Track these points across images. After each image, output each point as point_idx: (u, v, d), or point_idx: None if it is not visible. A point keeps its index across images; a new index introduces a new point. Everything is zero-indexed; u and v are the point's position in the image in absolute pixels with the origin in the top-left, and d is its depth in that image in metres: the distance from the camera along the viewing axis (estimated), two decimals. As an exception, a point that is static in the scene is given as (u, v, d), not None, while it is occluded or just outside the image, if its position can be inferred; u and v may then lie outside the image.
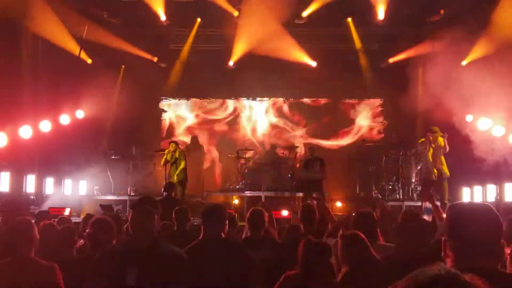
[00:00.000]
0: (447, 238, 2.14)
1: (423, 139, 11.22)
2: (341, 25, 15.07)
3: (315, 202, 7.58)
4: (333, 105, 17.07)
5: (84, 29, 13.38)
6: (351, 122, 17.04)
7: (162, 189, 9.28)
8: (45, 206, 10.62)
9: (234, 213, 7.82)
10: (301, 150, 15.37)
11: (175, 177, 12.14)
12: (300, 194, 13.17)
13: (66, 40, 13.39)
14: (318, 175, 12.81)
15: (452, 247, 2.11)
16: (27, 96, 12.19)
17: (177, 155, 12.38)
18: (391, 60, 15.33)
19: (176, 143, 12.80)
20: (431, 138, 10.39)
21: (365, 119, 16.99)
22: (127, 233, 4.44)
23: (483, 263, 2.01)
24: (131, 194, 13.11)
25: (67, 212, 9.64)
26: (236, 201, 13.47)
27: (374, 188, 13.71)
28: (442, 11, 13.34)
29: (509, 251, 3.74)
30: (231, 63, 15.74)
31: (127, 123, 15.40)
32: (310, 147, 13.76)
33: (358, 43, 15.20)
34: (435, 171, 10.38)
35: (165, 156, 12.45)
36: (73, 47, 13.69)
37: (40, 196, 11.92)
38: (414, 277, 1.37)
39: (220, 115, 17.32)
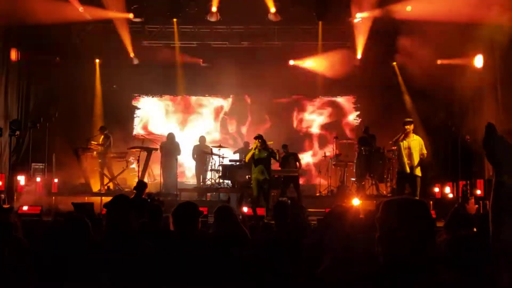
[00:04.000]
0: (379, 234, 2.15)
1: (398, 137, 11.35)
2: (313, 23, 15.27)
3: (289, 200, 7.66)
4: (305, 102, 17.31)
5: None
6: (325, 119, 17.29)
7: (133, 188, 9.19)
8: (16, 204, 10.54)
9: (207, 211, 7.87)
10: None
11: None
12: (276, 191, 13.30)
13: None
14: (294, 171, 12.97)
15: (381, 243, 2.12)
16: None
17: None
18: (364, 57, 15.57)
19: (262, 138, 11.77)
20: (407, 129, 10.50)
21: (338, 116, 17.25)
22: (102, 231, 4.46)
23: (412, 259, 2.01)
24: (104, 193, 13.06)
25: (38, 211, 9.56)
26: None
27: (346, 185, 13.89)
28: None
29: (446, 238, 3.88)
30: (204, 60, 15.88)
31: (100, 120, 15.40)
32: (283, 145, 13.91)
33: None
34: (407, 166, 10.50)
35: (252, 151, 11.71)
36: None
37: (10, 194, 11.79)
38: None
39: (195, 112, 17.40)
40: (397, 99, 15.43)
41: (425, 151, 10.53)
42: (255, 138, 11.75)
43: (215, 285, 3.79)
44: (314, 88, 16.58)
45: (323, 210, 9.95)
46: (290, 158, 13.23)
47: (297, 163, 13.16)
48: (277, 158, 12.16)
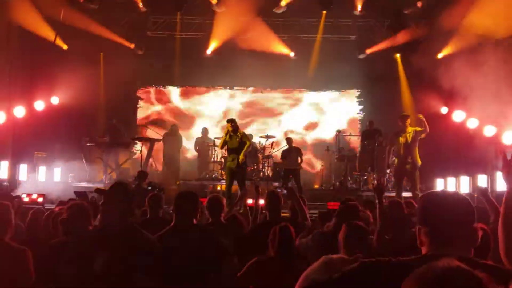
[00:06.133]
0: (421, 225, 2.20)
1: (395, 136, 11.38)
2: (319, 16, 15.28)
3: (284, 191, 7.69)
4: (309, 96, 17.32)
5: (60, 13, 13.32)
6: (327, 113, 17.30)
7: (134, 178, 9.26)
8: (18, 193, 10.62)
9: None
10: (278, 140, 15.58)
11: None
12: (276, 184, 13.39)
13: (42, 25, 13.31)
14: (295, 164, 13.04)
15: (426, 234, 2.17)
16: (1, 81, 12.14)
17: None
18: (368, 51, 15.59)
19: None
20: (405, 124, 10.53)
21: (341, 110, 17.26)
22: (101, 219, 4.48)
23: (457, 248, 2.07)
24: (107, 182, 13.14)
25: (40, 199, 9.64)
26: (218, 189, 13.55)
27: (349, 179, 13.95)
28: (419, 4, 13.60)
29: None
30: (209, 51, 15.85)
31: (103, 110, 15.46)
32: (287, 138, 13.99)
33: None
34: (409, 160, 10.53)
35: (223, 138, 11.20)
36: (49, 33, 13.63)
37: (13, 183, 11.90)
38: (421, 276, 1.38)
39: (199, 104, 17.44)
40: (401, 93, 15.45)
41: (419, 128, 10.49)
42: (228, 121, 11.08)
43: (208, 273, 3.84)
44: (317, 82, 16.60)
45: (324, 204, 10.03)
46: (292, 152, 13.29)
47: (299, 158, 13.21)
48: (247, 148, 11.14)
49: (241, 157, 10.94)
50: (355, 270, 2.05)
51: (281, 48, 15.77)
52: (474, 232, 2.15)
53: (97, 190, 9.18)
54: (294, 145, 13.70)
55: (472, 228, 2.15)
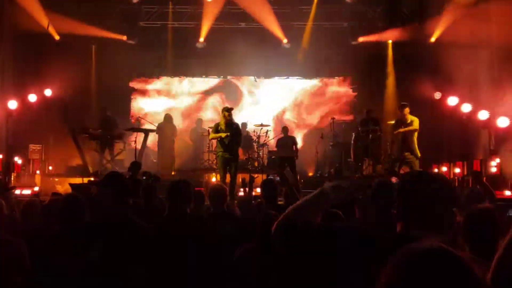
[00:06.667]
0: (399, 206, 2.16)
1: (392, 121, 11.42)
2: (311, 2, 15.28)
3: (277, 177, 7.65)
4: (303, 83, 17.33)
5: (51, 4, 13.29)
6: (322, 100, 17.31)
7: (128, 169, 9.23)
8: (13, 185, 10.62)
9: (203, 191, 7.94)
10: (272, 129, 15.59)
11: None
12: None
13: (33, 16, 13.26)
14: (290, 153, 13.05)
15: (402, 215, 2.13)
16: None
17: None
18: (361, 39, 15.61)
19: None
20: (404, 114, 10.56)
21: (335, 97, 17.27)
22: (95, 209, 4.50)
23: (432, 231, 2.00)
24: (102, 174, 13.11)
25: (35, 190, 9.68)
26: (213, 179, 13.56)
27: (344, 167, 13.98)
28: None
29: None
30: (201, 40, 15.82)
31: (97, 102, 15.43)
32: (283, 127, 13.96)
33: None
34: (408, 149, 10.56)
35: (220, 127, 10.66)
36: (41, 22, 13.59)
37: (8, 175, 11.88)
38: (407, 253, 1.37)
39: (194, 91, 17.41)
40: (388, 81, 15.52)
41: (417, 126, 10.55)
42: (225, 110, 10.62)
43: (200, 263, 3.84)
44: (311, 69, 16.58)
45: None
46: (288, 140, 13.32)
47: (294, 147, 13.23)
48: (240, 138, 10.89)
49: (238, 148, 10.92)
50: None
51: (275, 36, 15.73)
52: (452, 216, 2.13)
53: (90, 182, 9.20)
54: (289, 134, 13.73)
55: (450, 212, 2.11)
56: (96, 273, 3.46)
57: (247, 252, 3.74)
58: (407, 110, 10.64)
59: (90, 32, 14.47)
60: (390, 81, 15.58)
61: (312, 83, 17.35)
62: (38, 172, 13.13)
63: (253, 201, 6.17)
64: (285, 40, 15.95)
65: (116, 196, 3.71)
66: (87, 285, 3.47)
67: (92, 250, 3.47)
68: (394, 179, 9.79)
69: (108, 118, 13.82)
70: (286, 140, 13.33)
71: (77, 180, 11.30)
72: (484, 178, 10.81)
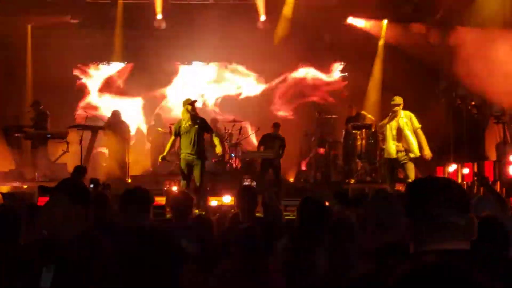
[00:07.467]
0: (409, 218, 2.17)
1: (385, 121, 11.42)
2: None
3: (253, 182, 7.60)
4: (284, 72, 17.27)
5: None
6: (305, 90, 17.27)
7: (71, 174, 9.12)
8: None
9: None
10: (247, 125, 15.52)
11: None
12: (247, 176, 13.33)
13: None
14: (275, 154, 12.93)
15: (414, 227, 2.14)
16: None
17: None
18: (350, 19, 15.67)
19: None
20: (396, 109, 10.58)
21: (321, 87, 17.24)
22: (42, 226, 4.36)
23: (451, 241, 2.06)
24: (40, 180, 12.86)
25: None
26: (174, 188, 13.43)
27: (332, 170, 14.01)
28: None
29: None
30: (159, 17, 15.59)
31: (32, 94, 15.17)
32: (274, 123, 13.82)
33: None
34: (401, 148, 10.57)
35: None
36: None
37: None
38: (412, 265, 1.42)
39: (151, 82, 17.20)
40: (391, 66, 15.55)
41: (417, 125, 10.59)
42: (187, 102, 10.51)
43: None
44: (293, 56, 16.49)
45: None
46: (276, 140, 13.23)
47: (281, 149, 13.15)
48: (212, 132, 11.00)
49: (217, 149, 10.97)
50: None
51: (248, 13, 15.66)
52: (472, 222, 2.13)
53: (42, 188, 8.96)
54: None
55: (469, 218, 2.13)
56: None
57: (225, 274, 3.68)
58: (401, 105, 10.62)
59: (25, 4, 14.22)
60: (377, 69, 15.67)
61: (296, 72, 17.25)
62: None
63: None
64: (262, 16, 15.78)
65: (74, 209, 3.57)
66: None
67: (43, 276, 3.31)
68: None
69: (42, 113, 13.55)
70: (274, 139, 13.22)
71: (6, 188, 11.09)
72: (498, 184, 10.99)
